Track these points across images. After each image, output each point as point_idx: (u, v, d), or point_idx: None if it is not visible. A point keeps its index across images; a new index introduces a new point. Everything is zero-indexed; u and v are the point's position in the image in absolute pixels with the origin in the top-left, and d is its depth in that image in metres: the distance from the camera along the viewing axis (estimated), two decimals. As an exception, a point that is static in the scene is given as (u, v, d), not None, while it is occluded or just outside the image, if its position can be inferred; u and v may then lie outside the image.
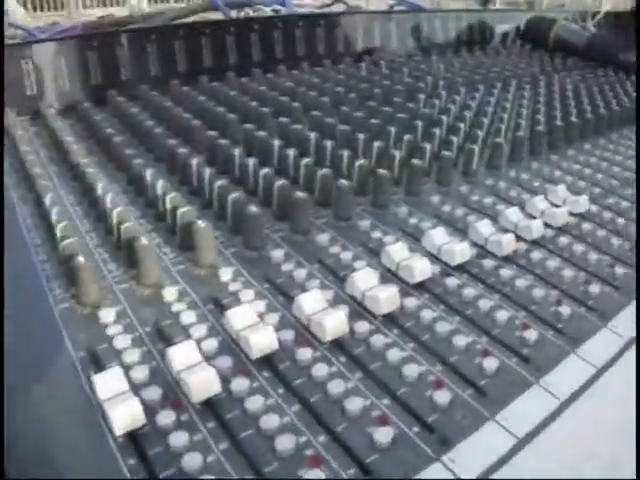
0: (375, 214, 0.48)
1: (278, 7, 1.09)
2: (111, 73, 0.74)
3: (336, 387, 0.29)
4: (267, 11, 1.09)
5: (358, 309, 0.36)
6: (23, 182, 0.50)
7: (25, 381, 0.29)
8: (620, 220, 0.50)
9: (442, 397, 0.29)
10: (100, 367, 0.30)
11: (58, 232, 0.39)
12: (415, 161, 0.52)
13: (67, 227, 0.39)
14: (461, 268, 0.41)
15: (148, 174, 0.47)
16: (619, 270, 0.42)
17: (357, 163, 0.51)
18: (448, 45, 1.09)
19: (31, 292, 0.37)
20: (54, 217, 0.40)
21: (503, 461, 0.26)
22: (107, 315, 0.34)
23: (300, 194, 0.44)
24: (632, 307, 0.38)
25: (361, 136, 0.56)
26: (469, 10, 1.24)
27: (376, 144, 0.54)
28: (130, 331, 0.33)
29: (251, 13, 1.10)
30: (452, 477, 0.25)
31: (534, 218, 0.47)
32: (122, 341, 0.32)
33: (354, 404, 0.28)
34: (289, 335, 0.33)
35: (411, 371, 0.31)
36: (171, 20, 0.98)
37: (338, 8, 1.27)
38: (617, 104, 0.79)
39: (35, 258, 0.40)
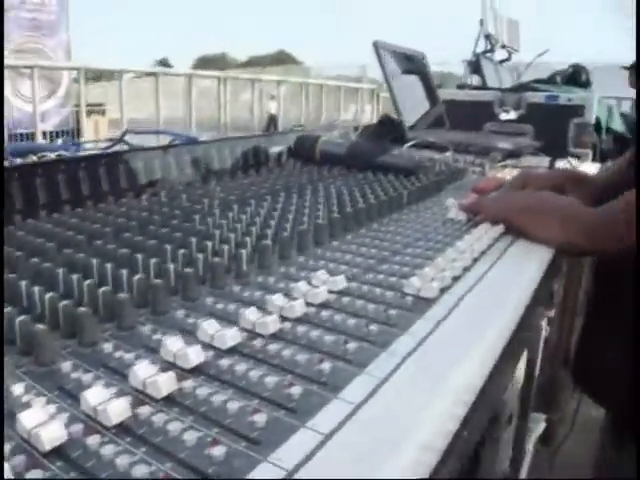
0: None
1: (63, 152, 1.13)
2: None
3: None
4: (53, 157, 1.12)
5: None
6: None
7: None
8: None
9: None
10: None
11: None
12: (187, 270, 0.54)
13: None
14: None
15: None
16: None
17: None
18: (225, 171, 1.15)
19: None
20: None
21: None
22: None
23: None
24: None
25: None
26: (246, 137, 1.35)
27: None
28: None
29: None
30: None
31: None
32: None
33: None
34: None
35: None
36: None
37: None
38: (375, 199, 0.89)
39: None
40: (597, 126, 2.26)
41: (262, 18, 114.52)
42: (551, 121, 2.15)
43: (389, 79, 1.69)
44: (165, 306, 0.53)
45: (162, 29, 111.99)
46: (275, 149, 1.27)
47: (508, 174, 1.40)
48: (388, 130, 1.21)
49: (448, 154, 1.53)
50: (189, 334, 0.47)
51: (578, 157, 2.02)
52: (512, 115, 2.20)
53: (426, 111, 2.10)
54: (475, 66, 2.63)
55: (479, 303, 0.58)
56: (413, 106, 2.03)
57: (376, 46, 1.70)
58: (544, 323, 1.13)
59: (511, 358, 0.64)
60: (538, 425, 1.44)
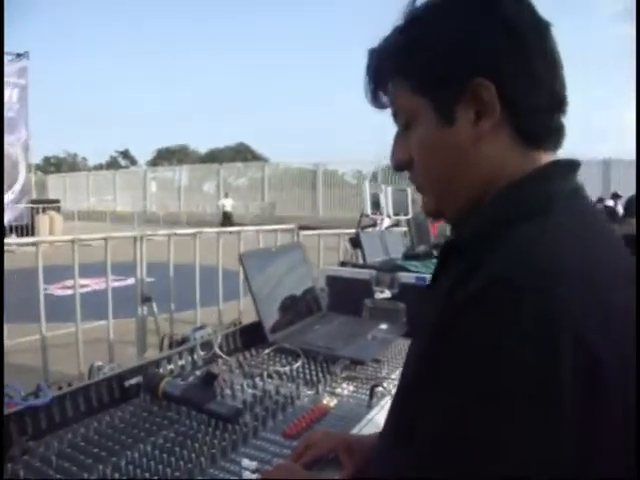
0: None
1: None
2: None
3: None
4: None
5: None
6: None
7: None
8: None
9: None
10: None
11: None
12: None
13: None
14: None
15: None
16: None
17: None
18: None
19: None
20: None
21: None
22: None
23: None
24: None
25: None
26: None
27: None
28: None
29: None
30: None
31: None
32: None
33: None
34: None
35: None
36: None
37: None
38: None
39: None
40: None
41: (223, 111, 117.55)
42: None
43: (253, 290, 1.94)
44: None
45: (123, 120, 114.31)
46: (131, 381, 1.47)
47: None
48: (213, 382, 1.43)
49: (298, 364, 1.76)
50: None
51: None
52: (387, 294, 2.46)
53: (300, 294, 2.36)
54: (355, 242, 2.94)
55: None
56: (297, 286, 2.29)
57: (240, 258, 1.97)
58: None
59: None
60: None
